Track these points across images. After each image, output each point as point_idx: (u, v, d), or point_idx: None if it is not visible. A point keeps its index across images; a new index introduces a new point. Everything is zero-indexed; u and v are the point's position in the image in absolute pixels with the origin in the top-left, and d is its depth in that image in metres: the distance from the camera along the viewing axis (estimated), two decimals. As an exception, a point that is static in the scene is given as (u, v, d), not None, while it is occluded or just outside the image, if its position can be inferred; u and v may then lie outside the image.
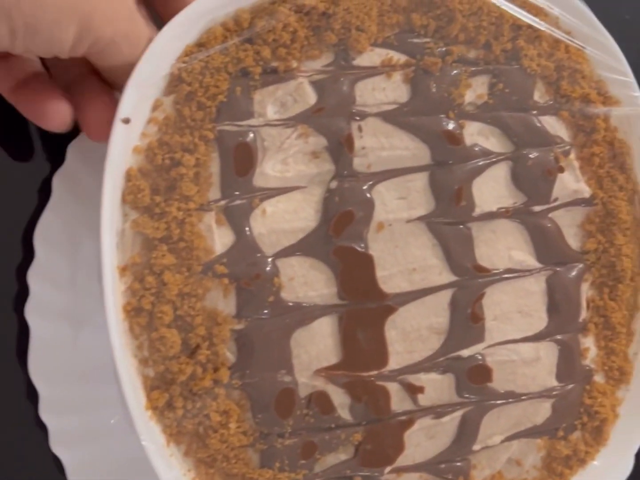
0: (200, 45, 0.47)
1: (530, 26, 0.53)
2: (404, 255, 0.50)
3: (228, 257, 0.47)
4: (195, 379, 0.46)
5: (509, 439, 0.53)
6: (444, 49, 0.52)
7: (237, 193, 0.47)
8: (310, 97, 0.48)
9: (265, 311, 0.47)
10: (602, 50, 0.55)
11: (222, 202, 0.47)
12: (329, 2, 0.48)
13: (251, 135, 0.47)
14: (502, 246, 0.53)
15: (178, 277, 0.46)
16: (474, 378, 0.51)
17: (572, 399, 0.55)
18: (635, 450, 0.56)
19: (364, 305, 0.50)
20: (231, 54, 0.47)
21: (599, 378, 0.56)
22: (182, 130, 0.46)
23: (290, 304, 0.48)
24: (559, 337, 0.54)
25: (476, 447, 0.52)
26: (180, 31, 0.46)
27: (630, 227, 0.56)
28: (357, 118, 0.50)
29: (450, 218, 0.51)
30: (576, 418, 0.55)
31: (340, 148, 0.49)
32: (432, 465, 0.52)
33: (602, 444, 0.56)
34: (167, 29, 0.45)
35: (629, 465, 0.56)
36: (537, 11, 0.53)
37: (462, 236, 0.52)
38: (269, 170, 0.48)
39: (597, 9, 0.55)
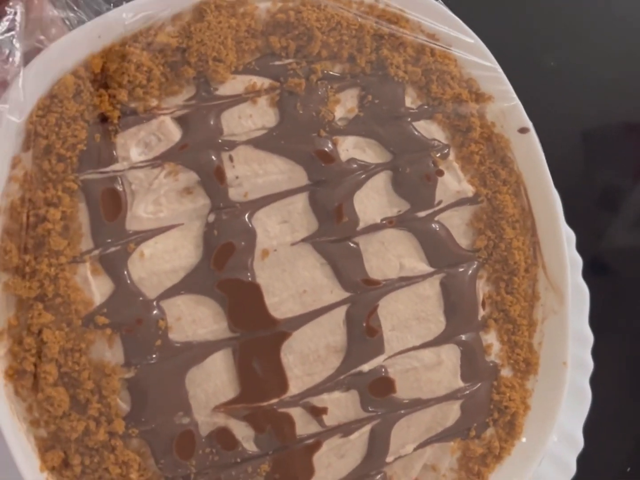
0: (53, 96, 0.46)
1: (392, 34, 0.53)
2: (293, 279, 0.50)
3: (108, 307, 0.46)
4: (90, 434, 0.45)
5: (422, 445, 0.54)
6: (307, 67, 0.51)
7: (110, 240, 0.47)
8: (175, 134, 0.48)
9: (154, 355, 0.47)
10: (468, 49, 0.55)
11: (96, 252, 0.46)
12: (182, 36, 0.48)
13: (117, 180, 0.47)
14: (393, 256, 0.53)
15: (58, 334, 0.45)
16: (377, 391, 0.51)
17: (480, 397, 0.55)
18: (550, 438, 0.56)
19: (256, 334, 0.49)
20: (86, 101, 0.46)
21: (505, 372, 0.56)
22: (44, 185, 0.45)
23: (179, 344, 0.47)
24: (459, 337, 0.54)
25: (389, 458, 0.52)
26: (31, 84, 0.45)
27: (519, 219, 0.57)
28: (227, 148, 0.49)
29: (335, 235, 0.51)
30: (487, 415, 0.55)
31: (213, 181, 0.48)
32: (347, 483, 0.51)
33: (516, 437, 0.56)
34: (16, 83, 0.44)
35: (544, 454, 0.56)
36: (397, 18, 0.53)
37: (350, 252, 0.52)
38: (141, 212, 0.47)
39: (522, 56, 0.55)
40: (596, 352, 0.64)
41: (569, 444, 0.63)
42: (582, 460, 0.63)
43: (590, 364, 0.63)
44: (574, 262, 0.63)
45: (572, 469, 0.61)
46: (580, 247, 0.66)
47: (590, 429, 0.62)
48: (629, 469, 0.69)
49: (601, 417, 0.61)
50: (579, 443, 0.63)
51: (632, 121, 0.75)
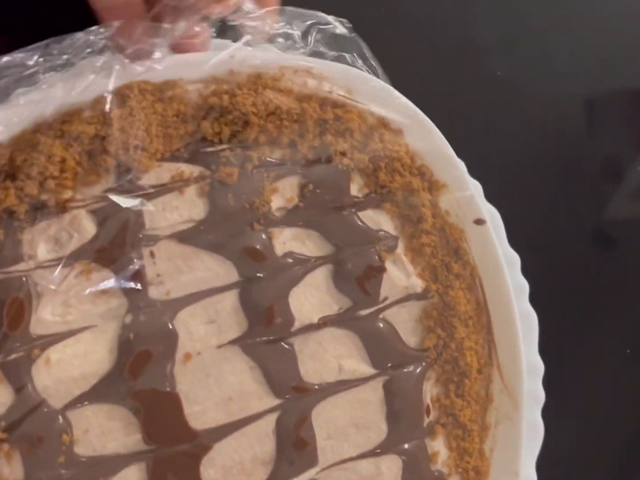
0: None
1: (338, 119, 0.48)
2: (218, 385, 0.46)
3: (7, 420, 0.42)
4: None
5: None
6: (242, 155, 0.47)
7: (11, 346, 0.42)
8: (89, 229, 0.44)
9: (57, 472, 0.42)
10: (421, 134, 0.51)
11: (-5, 359, 0.42)
12: (100, 123, 0.43)
13: (21, 281, 0.42)
14: (331, 357, 0.49)
15: (-51, 450, 0.40)
16: (306, 509, 0.47)
17: (423, 511, 0.50)
18: None
19: (173, 448, 0.44)
20: (-12, 195, 0.42)
21: (453, 482, 0.52)
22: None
23: (85, 459, 0.43)
24: (401, 446, 0.50)
25: None
26: None
27: (473, 315, 0.52)
28: (149, 243, 0.44)
29: (267, 337, 0.47)
30: (430, 530, 0.51)
31: (132, 278, 0.44)
32: None
33: None
34: None
35: None
36: (343, 102, 0.49)
37: (283, 354, 0.48)
38: (48, 315, 0.43)
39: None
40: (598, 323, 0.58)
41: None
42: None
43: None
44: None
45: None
46: (583, 219, 0.66)
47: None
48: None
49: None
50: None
51: (637, 89, 0.70)
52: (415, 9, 0.63)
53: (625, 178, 0.71)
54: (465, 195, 0.52)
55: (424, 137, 0.51)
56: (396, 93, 0.50)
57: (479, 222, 0.52)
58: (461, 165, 0.52)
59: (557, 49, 0.69)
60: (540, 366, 0.56)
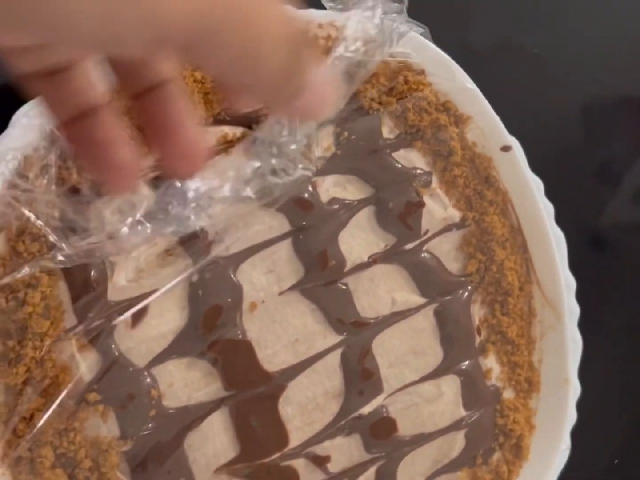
0: (21, 176, 0.44)
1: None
2: (284, 329, 0.49)
3: (99, 383, 0.46)
4: (92, 513, 0.45)
5: (429, 479, 0.53)
6: (278, 111, 0.49)
7: (93, 314, 0.45)
8: (149, 197, 0.46)
9: (150, 425, 0.46)
10: (442, 71, 0.53)
11: (80, 327, 0.45)
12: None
13: (94, 252, 0.45)
14: (383, 291, 0.52)
15: (50, 416, 0.44)
16: (379, 433, 0.51)
17: (484, 423, 0.54)
18: (557, 456, 0.56)
19: (252, 391, 0.48)
20: (55, 175, 0.44)
21: (508, 394, 0.56)
22: (20, 267, 0.44)
23: (173, 410, 0.47)
24: (458, 367, 0.54)
25: (398, 497, 0.52)
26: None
27: (509, 237, 0.55)
28: (205, 204, 0.48)
29: (323, 280, 0.50)
30: (492, 441, 0.55)
31: (194, 239, 0.47)
32: (357, 527, 0.51)
33: (523, 459, 0.56)
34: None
35: (553, 473, 0.55)
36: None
37: (339, 293, 0.51)
38: (122, 282, 0.46)
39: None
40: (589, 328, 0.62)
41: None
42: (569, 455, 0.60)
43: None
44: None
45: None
46: (580, 222, 0.67)
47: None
48: (616, 461, 0.68)
49: (588, 409, 0.60)
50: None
51: (632, 95, 0.73)
52: None
53: (624, 182, 0.73)
54: (490, 124, 0.55)
55: (444, 74, 0.53)
56: (411, 33, 0.52)
57: (505, 148, 0.55)
58: (482, 97, 0.55)
59: (556, 53, 0.71)
60: (572, 282, 0.59)
